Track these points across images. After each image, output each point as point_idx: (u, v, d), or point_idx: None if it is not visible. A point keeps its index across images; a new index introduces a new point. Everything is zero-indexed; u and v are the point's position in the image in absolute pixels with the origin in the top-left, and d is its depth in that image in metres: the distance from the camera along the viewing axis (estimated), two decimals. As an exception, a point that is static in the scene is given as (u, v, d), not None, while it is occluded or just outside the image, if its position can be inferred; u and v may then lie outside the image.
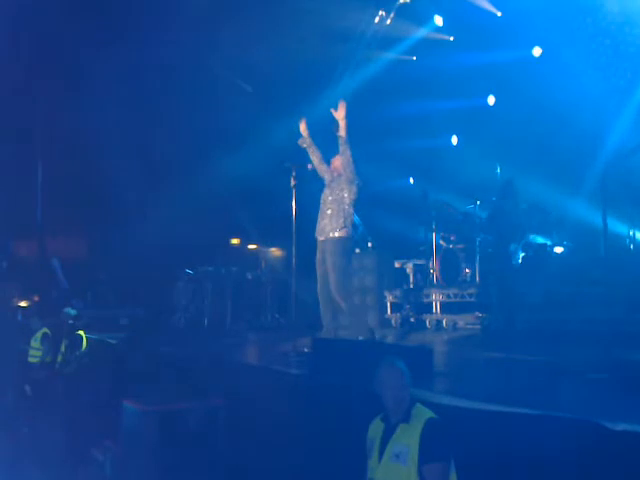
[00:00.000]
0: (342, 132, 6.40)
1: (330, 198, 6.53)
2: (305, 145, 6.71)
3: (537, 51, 11.33)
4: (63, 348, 9.04)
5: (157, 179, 12.98)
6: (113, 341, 9.34)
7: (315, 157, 6.69)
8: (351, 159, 6.43)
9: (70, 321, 9.22)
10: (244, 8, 10.68)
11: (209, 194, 11.51)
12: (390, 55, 12.63)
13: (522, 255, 8.51)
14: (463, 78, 11.90)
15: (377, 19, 12.36)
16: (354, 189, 6.47)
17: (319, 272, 6.51)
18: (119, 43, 11.00)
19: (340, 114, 6.39)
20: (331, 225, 6.40)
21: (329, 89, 12.62)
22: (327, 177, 6.69)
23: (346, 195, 6.45)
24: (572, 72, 10.20)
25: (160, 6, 10.81)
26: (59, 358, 9.05)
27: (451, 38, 12.13)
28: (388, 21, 12.27)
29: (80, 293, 12.17)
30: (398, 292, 9.84)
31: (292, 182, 6.81)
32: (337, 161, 6.58)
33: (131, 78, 11.49)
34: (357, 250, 9.74)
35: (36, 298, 12.09)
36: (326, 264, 6.39)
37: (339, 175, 6.54)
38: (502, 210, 8.12)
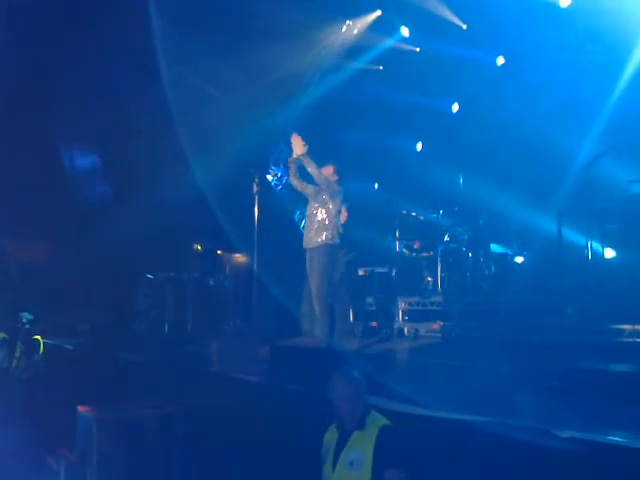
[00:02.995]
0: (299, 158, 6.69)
1: (316, 211, 6.71)
2: (291, 165, 6.87)
3: (500, 60, 11.55)
4: (18, 353, 8.81)
5: (119, 183, 12.80)
6: (70, 347, 9.16)
7: (296, 176, 6.88)
8: (321, 176, 6.59)
9: (27, 326, 9.02)
10: (212, 17, 10.65)
11: (173, 198, 11.39)
12: (357, 64, 12.71)
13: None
14: (427, 85, 12.05)
15: (344, 29, 12.43)
16: (337, 201, 6.70)
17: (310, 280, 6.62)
18: (84, 46, 10.85)
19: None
20: (318, 235, 6.59)
21: (296, 97, 12.65)
22: (309, 191, 6.85)
23: (331, 207, 6.66)
24: (535, 85, 10.40)
25: (128, 11, 10.70)
26: (14, 364, 8.83)
27: (417, 49, 12.26)
28: (355, 31, 12.36)
29: (39, 297, 11.88)
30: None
31: (255, 188, 6.86)
32: (325, 171, 6.75)
33: (96, 82, 11.33)
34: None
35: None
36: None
37: (322, 189, 6.75)
38: None
